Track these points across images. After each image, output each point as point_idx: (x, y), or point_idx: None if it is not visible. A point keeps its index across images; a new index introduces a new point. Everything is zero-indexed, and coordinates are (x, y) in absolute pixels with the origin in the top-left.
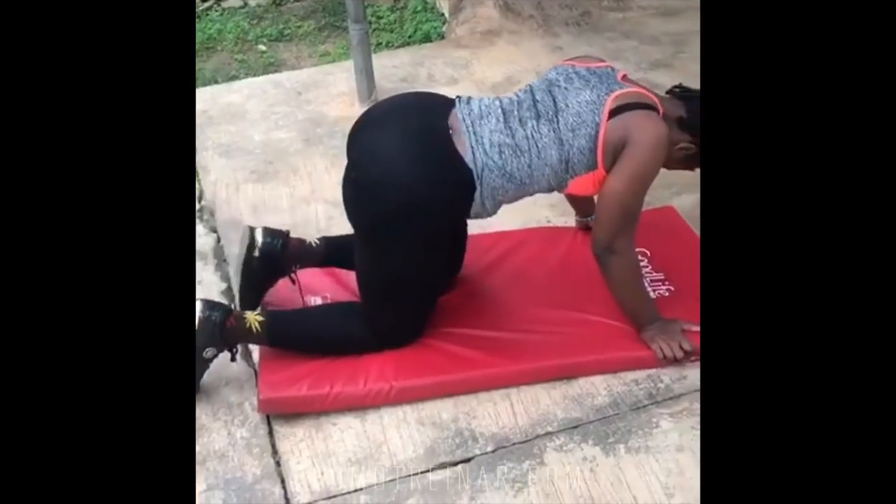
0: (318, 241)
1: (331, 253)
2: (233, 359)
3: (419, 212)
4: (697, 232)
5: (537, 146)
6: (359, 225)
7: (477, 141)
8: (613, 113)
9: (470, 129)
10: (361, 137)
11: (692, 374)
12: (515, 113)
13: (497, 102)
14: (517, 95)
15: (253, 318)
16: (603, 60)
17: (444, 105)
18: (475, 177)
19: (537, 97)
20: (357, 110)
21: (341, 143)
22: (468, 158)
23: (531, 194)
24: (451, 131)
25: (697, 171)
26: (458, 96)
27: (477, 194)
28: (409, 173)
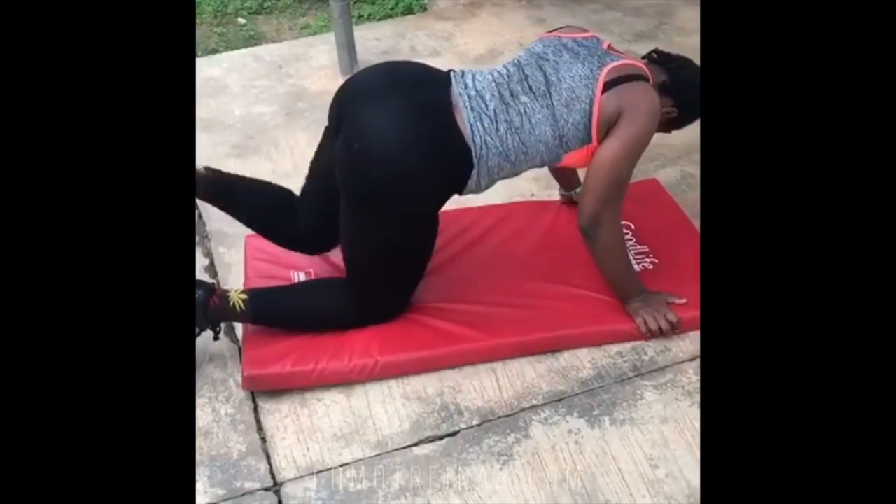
0: (204, 169)
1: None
2: (216, 338)
3: (418, 190)
4: (681, 205)
5: (531, 122)
6: (352, 194)
7: (476, 118)
8: (607, 86)
9: (468, 104)
10: (366, 108)
11: (676, 347)
12: (507, 87)
13: (490, 77)
14: (506, 69)
15: (237, 296)
16: (587, 31)
17: (442, 79)
18: (473, 156)
19: (527, 72)
20: (339, 84)
21: (323, 117)
22: (467, 137)
23: (523, 171)
24: (453, 109)
25: (682, 141)
26: (452, 70)
27: (474, 173)
28: (416, 153)
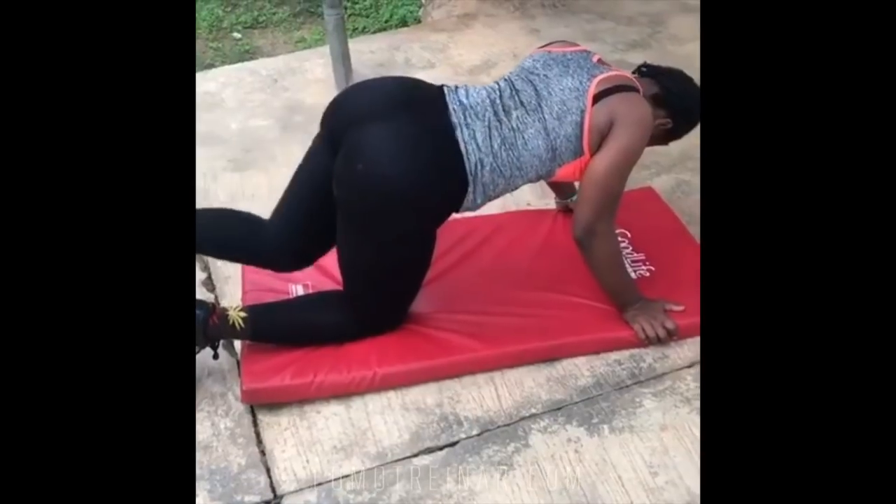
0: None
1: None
2: (215, 356)
3: (418, 211)
4: (676, 212)
5: (523, 137)
6: (351, 212)
7: (470, 135)
8: (597, 98)
9: (462, 122)
10: (370, 128)
11: (674, 354)
12: (499, 103)
13: (483, 93)
14: (498, 85)
15: (236, 314)
16: (577, 44)
17: (438, 97)
18: (468, 173)
19: (517, 87)
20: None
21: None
22: (463, 156)
23: (518, 187)
24: (453, 130)
25: (677, 149)
26: (445, 86)
27: (469, 190)
28: (417, 176)
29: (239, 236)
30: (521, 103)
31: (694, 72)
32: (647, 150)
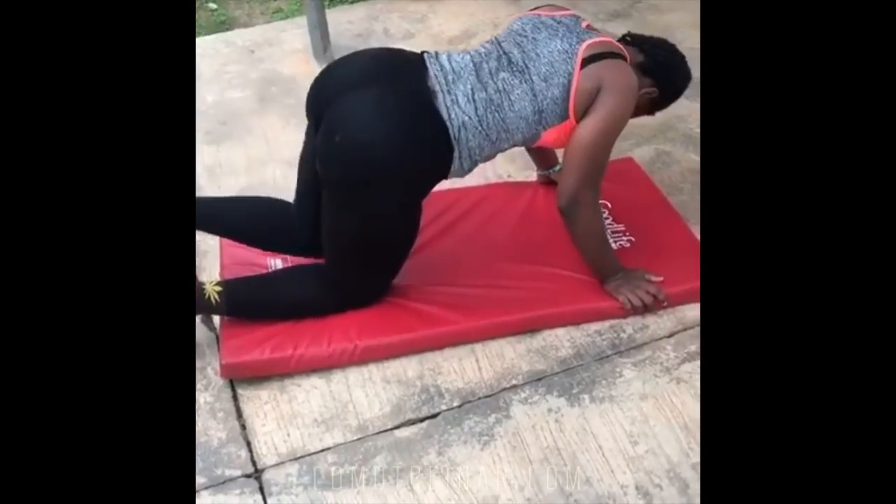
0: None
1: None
2: None
3: (402, 178)
4: (657, 182)
5: (510, 98)
6: (335, 185)
7: (452, 100)
8: (585, 62)
9: (444, 88)
10: (345, 99)
11: (654, 324)
12: (485, 65)
13: (467, 57)
14: (484, 48)
15: (211, 288)
16: (566, 8)
17: (418, 64)
18: (452, 137)
19: (505, 49)
20: (312, 67)
21: (297, 102)
22: (446, 120)
23: (505, 150)
24: (431, 94)
25: (657, 120)
26: (425, 52)
27: (455, 155)
28: (397, 142)
29: (269, 228)
30: (509, 63)
31: (674, 42)
32: (629, 121)
